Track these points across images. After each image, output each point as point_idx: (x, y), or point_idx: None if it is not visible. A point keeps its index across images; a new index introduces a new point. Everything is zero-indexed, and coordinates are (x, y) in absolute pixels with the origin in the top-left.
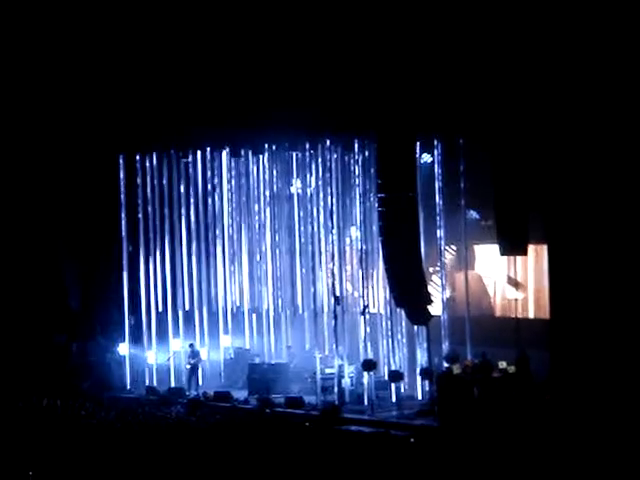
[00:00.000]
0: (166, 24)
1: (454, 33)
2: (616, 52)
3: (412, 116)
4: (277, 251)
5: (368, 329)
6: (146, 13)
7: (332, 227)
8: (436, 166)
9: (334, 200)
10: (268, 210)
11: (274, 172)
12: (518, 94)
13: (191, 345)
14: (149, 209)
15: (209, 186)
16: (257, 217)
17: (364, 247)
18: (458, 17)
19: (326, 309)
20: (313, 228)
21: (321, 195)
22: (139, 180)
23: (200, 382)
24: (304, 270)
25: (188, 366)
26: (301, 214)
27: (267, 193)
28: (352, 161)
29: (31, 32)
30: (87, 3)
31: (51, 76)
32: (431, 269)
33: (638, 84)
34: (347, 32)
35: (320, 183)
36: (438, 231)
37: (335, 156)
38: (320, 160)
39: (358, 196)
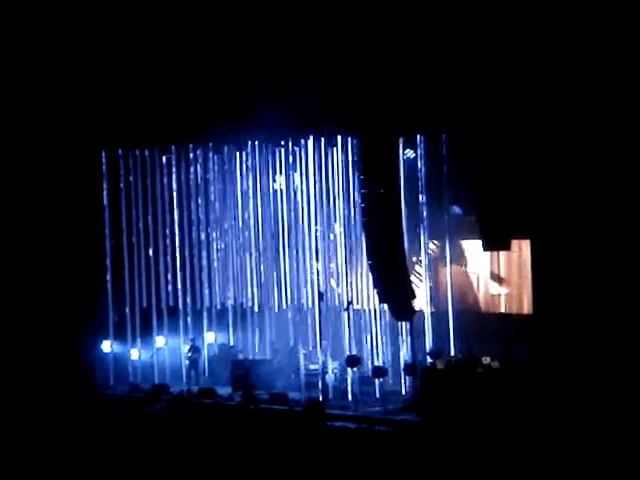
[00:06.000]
0: (151, 22)
1: (437, 30)
2: (597, 51)
3: (395, 112)
4: (261, 247)
5: (352, 325)
6: (130, 10)
7: (316, 223)
8: (419, 162)
9: (317, 196)
10: (251, 206)
11: (257, 168)
12: (500, 89)
13: (192, 340)
14: (132, 205)
15: (192, 182)
16: (240, 213)
17: (348, 243)
18: (443, 14)
19: (310, 305)
20: (297, 224)
21: (304, 191)
22: (122, 176)
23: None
24: (288, 266)
25: (187, 361)
26: (284, 210)
27: (250, 189)
28: (335, 157)
29: (12, 29)
30: (68, 1)
31: (33, 72)
32: (415, 265)
33: (618, 82)
34: (330, 29)
35: (303, 179)
36: (421, 226)
37: (318, 152)
38: (303, 156)
39: (342, 192)
